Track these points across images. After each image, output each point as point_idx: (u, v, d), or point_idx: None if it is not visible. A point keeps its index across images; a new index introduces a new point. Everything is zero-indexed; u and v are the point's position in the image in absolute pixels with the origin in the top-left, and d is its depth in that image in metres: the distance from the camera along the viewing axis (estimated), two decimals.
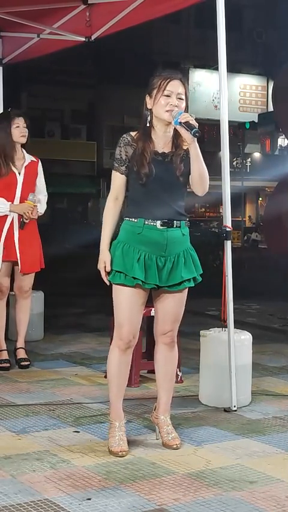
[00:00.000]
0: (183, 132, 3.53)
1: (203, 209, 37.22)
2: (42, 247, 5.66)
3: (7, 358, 5.54)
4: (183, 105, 3.61)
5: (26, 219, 5.38)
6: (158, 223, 3.61)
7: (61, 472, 3.40)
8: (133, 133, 3.67)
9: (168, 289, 3.68)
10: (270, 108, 25.98)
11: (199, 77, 33.98)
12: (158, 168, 3.58)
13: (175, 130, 3.64)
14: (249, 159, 35.03)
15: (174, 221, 3.64)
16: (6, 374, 5.34)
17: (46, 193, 5.63)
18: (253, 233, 28.74)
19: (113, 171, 3.68)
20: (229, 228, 4.50)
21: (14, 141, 5.39)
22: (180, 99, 3.60)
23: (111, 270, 3.63)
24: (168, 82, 3.59)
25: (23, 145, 5.48)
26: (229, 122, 4.62)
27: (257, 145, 36.70)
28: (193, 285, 3.73)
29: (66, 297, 9.48)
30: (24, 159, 5.48)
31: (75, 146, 31.87)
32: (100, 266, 3.65)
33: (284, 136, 29.01)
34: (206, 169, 3.63)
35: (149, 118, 3.65)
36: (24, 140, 5.43)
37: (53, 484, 3.24)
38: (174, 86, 3.60)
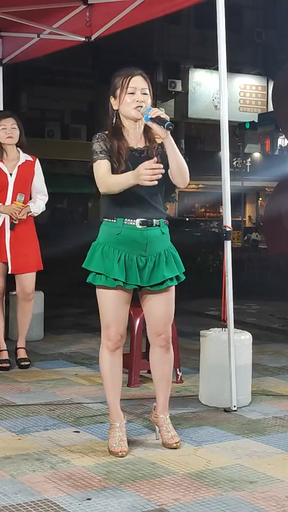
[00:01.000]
0: (155, 127, 3.50)
1: (203, 209, 37.21)
2: (42, 247, 5.64)
3: (7, 358, 5.53)
4: (149, 100, 3.59)
5: (15, 220, 5.38)
6: (137, 222, 3.58)
7: (61, 472, 3.40)
8: (106, 132, 3.64)
9: (151, 289, 3.66)
10: (270, 108, 25.98)
11: (199, 77, 33.96)
12: (136, 165, 3.51)
13: (145, 125, 3.62)
14: (249, 159, 35.02)
15: (154, 220, 3.62)
16: (6, 374, 5.34)
17: (46, 193, 5.59)
18: (253, 233, 28.72)
19: (97, 161, 3.58)
20: (229, 228, 4.50)
21: (1, 143, 5.39)
22: (144, 94, 3.58)
23: (91, 272, 3.61)
24: (130, 79, 3.57)
25: (18, 145, 5.47)
26: (229, 122, 4.62)
27: (257, 145, 36.70)
28: (176, 284, 3.71)
29: (66, 297, 9.47)
30: (18, 159, 5.46)
31: (75, 146, 31.81)
32: (141, 173, 3.39)
33: (284, 136, 28.99)
34: (184, 160, 3.61)
35: (114, 119, 3.62)
36: (12, 141, 5.40)
37: (53, 484, 3.24)
38: (137, 82, 3.58)
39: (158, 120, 3.48)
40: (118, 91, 3.59)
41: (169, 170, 3.63)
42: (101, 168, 3.58)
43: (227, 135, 4.52)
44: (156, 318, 3.73)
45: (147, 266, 3.61)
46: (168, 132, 3.50)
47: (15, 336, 6.33)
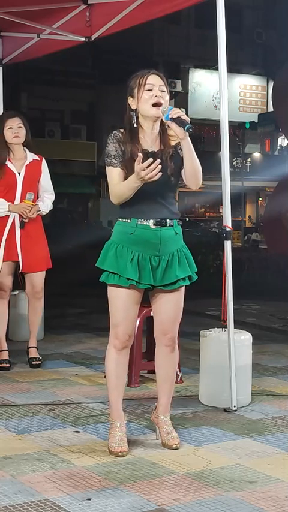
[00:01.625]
0: (174, 127, 3.51)
1: (203, 209, 37.22)
2: None
3: (7, 358, 5.54)
4: (167, 97, 3.60)
5: (25, 219, 5.39)
6: (151, 222, 3.60)
7: (61, 472, 3.40)
8: (122, 130, 3.63)
9: (163, 289, 3.67)
10: (270, 108, 25.99)
11: (199, 77, 33.98)
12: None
13: (161, 127, 3.63)
14: (249, 159, 35.03)
15: (167, 220, 3.63)
16: (6, 374, 5.34)
17: (53, 192, 5.62)
18: (253, 233, 28.73)
19: (110, 168, 3.60)
20: (229, 228, 4.50)
21: (7, 142, 5.40)
22: (162, 90, 3.59)
23: (104, 271, 3.62)
24: (147, 77, 3.58)
25: (24, 145, 5.48)
26: (229, 122, 4.62)
27: (257, 145, 36.71)
28: (188, 284, 3.72)
29: (66, 297, 9.47)
30: (25, 158, 5.48)
31: (75, 146, 31.86)
32: (141, 175, 3.41)
33: (284, 136, 29.01)
34: (199, 162, 3.62)
35: (134, 119, 3.62)
36: (18, 141, 5.41)
37: (53, 484, 3.24)
38: (154, 79, 3.59)
39: (179, 121, 3.48)
40: (136, 90, 3.59)
41: (182, 171, 3.64)
42: (113, 177, 3.60)
43: (227, 135, 4.52)
44: (164, 317, 3.74)
45: (161, 266, 3.62)
46: (187, 134, 3.50)
47: (15, 336, 6.34)
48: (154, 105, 3.56)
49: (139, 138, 3.62)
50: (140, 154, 3.42)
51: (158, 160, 3.42)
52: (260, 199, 37.80)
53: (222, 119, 4.49)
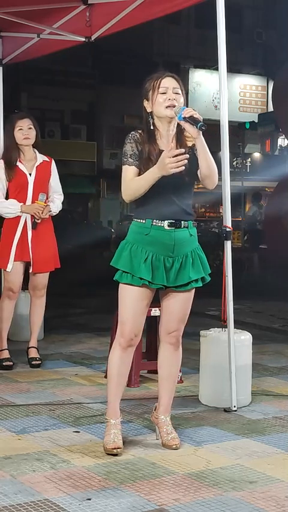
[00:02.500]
0: (187, 127, 3.53)
1: (203, 209, 37.21)
2: None
3: (9, 356, 5.54)
4: (182, 99, 3.62)
5: (38, 219, 5.41)
6: (166, 223, 3.61)
7: (61, 472, 3.40)
8: (140, 131, 3.66)
9: (175, 289, 3.69)
10: (270, 108, 25.97)
11: (199, 77, 33.95)
12: None
13: (177, 128, 3.64)
14: (249, 159, 35.00)
15: (182, 221, 3.65)
16: (6, 374, 5.34)
17: (62, 192, 5.68)
18: None
19: (125, 166, 3.63)
20: (229, 228, 4.50)
21: (18, 144, 5.41)
22: (176, 93, 3.60)
23: (118, 270, 3.64)
24: (161, 80, 3.61)
25: (34, 146, 5.50)
26: (229, 122, 4.62)
27: (257, 145, 36.69)
28: (201, 285, 3.74)
29: (66, 297, 9.47)
30: (35, 159, 5.50)
31: (75, 146, 31.86)
32: (166, 162, 3.43)
33: (284, 136, 28.99)
34: (214, 161, 3.63)
35: (151, 121, 3.65)
36: (29, 142, 5.45)
37: (53, 484, 3.24)
38: (168, 82, 3.61)
39: (191, 120, 3.50)
40: (150, 93, 3.62)
41: (198, 172, 3.65)
42: (128, 174, 3.62)
43: (227, 135, 4.52)
44: (171, 316, 3.76)
45: (174, 267, 3.64)
46: (200, 132, 3.52)
47: (15, 336, 6.34)
48: (167, 107, 3.57)
49: (156, 139, 3.65)
50: (173, 146, 3.45)
51: (186, 155, 3.44)
52: None
53: (222, 119, 4.49)
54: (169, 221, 3.62)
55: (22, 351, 5.69)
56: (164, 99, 3.58)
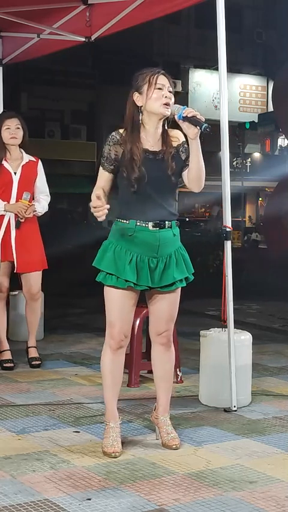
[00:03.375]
0: (185, 126, 3.50)
1: (203, 209, 37.21)
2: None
3: (10, 358, 5.54)
4: (173, 99, 3.59)
5: (21, 218, 5.39)
6: (150, 224, 3.59)
7: (61, 472, 3.40)
8: (121, 131, 3.62)
9: (160, 290, 3.67)
10: (270, 108, 26.00)
11: (199, 77, 33.97)
12: (149, 167, 3.53)
13: (163, 127, 3.62)
14: (249, 159, 35.03)
15: (166, 222, 3.62)
16: (6, 374, 5.34)
17: (48, 193, 5.61)
18: (253, 233, 28.74)
19: (100, 168, 3.65)
20: (229, 228, 4.50)
21: (4, 143, 5.41)
22: (170, 92, 3.59)
23: (102, 271, 3.62)
24: (158, 76, 3.57)
25: (21, 146, 5.48)
26: (229, 122, 4.62)
27: (257, 145, 36.70)
28: (185, 285, 3.72)
29: (66, 297, 9.47)
30: (21, 159, 5.48)
31: (75, 146, 31.84)
32: (92, 209, 3.47)
33: (284, 136, 29.02)
34: (203, 165, 3.60)
35: (140, 116, 3.60)
36: (15, 142, 5.42)
37: (53, 484, 3.24)
38: (164, 79, 3.59)
39: (194, 121, 3.47)
40: (145, 87, 3.56)
41: (184, 173, 3.62)
42: (99, 178, 3.66)
43: (227, 135, 4.52)
44: (159, 317, 3.75)
45: (158, 267, 3.62)
46: (198, 134, 3.49)
47: (15, 336, 6.34)
48: (164, 105, 3.55)
49: (140, 137, 3.61)
50: (99, 195, 3.45)
51: (107, 206, 3.42)
52: (260, 199, 37.79)
53: (222, 119, 4.49)
54: (153, 221, 3.59)
55: (22, 351, 5.69)
56: (160, 95, 3.54)
